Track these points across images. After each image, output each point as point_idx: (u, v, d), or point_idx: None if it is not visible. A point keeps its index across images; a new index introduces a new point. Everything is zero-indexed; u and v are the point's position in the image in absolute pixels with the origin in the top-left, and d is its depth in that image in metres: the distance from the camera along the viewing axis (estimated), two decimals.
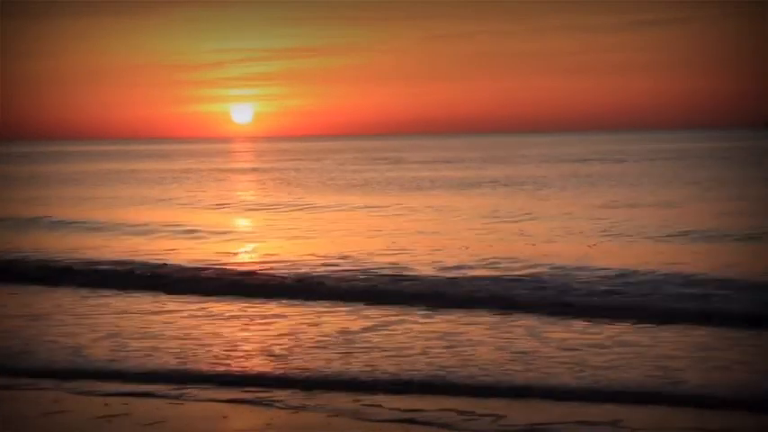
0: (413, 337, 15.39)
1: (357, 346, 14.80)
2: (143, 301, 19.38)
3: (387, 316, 17.25)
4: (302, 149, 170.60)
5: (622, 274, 20.43)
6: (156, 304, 19.05)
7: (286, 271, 22.29)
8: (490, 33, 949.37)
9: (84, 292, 20.80)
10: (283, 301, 19.05)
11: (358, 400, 11.85)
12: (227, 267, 23.24)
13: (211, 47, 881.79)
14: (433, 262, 23.10)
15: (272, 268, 22.83)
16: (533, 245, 26.45)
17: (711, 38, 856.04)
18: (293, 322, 16.89)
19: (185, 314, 17.89)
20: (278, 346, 14.87)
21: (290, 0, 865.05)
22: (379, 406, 11.58)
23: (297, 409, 11.54)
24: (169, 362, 14.01)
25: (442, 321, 16.75)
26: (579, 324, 16.26)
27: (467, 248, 25.54)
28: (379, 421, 11.03)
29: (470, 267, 22.12)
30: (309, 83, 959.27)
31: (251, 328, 16.57)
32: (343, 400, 11.89)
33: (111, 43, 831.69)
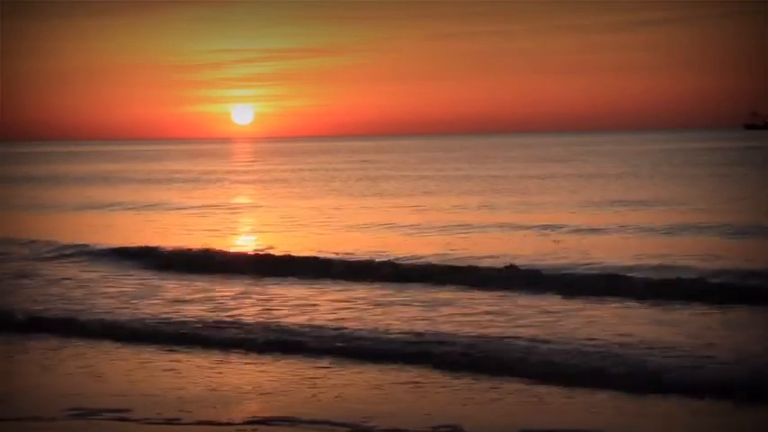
0: None
1: None
2: None
3: None
4: (277, 150, 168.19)
5: None
6: None
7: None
8: (490, 33, 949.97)
9: None
10: None
11: None
12: None
13: (211, 47, 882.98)
14: None
15: None
16: None
17: (711, 37, 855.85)
18: None
19: None
20: None
21: (290, 0, 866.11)
22: None
23: None
24: None
25: None
26: None
27: None
28: None
29: None
30: (310, 83, 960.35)
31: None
32: None
33: (110, 43, 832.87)
